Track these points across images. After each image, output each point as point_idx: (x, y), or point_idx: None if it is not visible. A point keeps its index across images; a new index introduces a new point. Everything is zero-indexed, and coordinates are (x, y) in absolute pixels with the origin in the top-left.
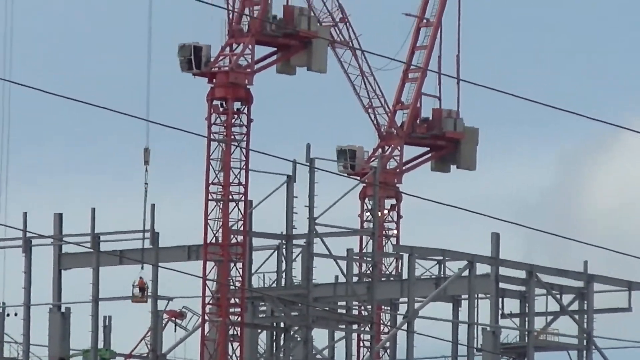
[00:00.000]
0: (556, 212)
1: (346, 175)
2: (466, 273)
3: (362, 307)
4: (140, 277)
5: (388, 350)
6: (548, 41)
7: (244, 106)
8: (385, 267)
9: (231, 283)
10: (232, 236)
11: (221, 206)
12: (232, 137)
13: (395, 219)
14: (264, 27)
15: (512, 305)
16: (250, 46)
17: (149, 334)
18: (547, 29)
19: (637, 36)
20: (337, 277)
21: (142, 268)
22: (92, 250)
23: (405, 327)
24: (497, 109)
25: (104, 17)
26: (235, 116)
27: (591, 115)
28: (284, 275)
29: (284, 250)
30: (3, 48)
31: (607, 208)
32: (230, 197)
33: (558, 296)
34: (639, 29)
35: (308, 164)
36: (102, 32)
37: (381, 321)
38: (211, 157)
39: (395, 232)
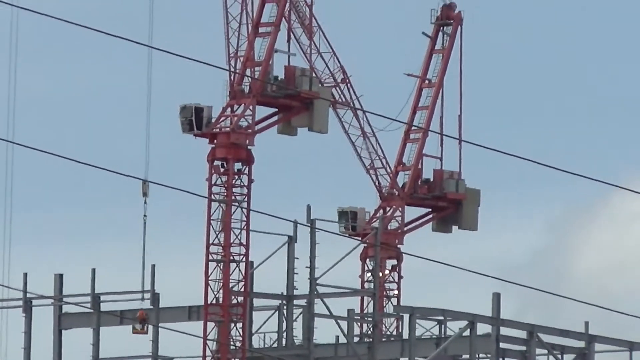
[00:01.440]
0: (550, 273)
1: (347, 236)
2: (467, 333)
3: None
4: (141, 310)
5: None
6: (552, 101)
7: (244, 167)
8: (386, 327)
9: (232, 343)
10: (232, 297)
11: (222, 267)
12: (233, 197)
13: (396, 280)
14: (265, 88)
15: None
16: (251, 107)
17: None
18: (551, 88)
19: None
20: (337, 338)
21: (142, 299)
22: (92, 310)
23: None
24: (499, 169)
25: (104, 77)
26: (236, 177)
27: (590, 174)
28: (284, 335)
29: (284, 311)
30: (7, 110)
31: (600, 268)
32: (231, 257)
33: (559, 356)
34: None
35: (309, 224)
36: (101, 92)
37: None
38: (212, 218)
39: (396, 292)
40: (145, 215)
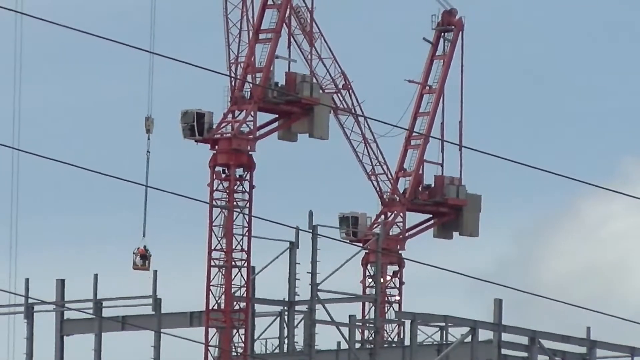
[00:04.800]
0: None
1: (349, 241)
2: (469, 339)
3: None
4: (139, 247)
5: None
6: (552, 107)
7: (246, 173)
8: (388, 333)
9: (233, 349)
10: (234, 302)
11: (223, 272)
12: (235, 203)
13: (397, 285)
14: (266, 94)
15: None
16: (252, 113)
17: None
18: (552, 95)
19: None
20: (339, 344)
21: (144, 236)
22: (94, 316)
23: None
24: (500, 175)
25: (105, 83)
26: (238, 183)
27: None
28: (286, 341)
29: (286, 317)
30: (12, 118)
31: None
32: (232, 263)
33: None
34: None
35: (310, 230)
36: (103, 98)
37: None
38: (213, 224)
39: (397, 298)
40: (148, 152)
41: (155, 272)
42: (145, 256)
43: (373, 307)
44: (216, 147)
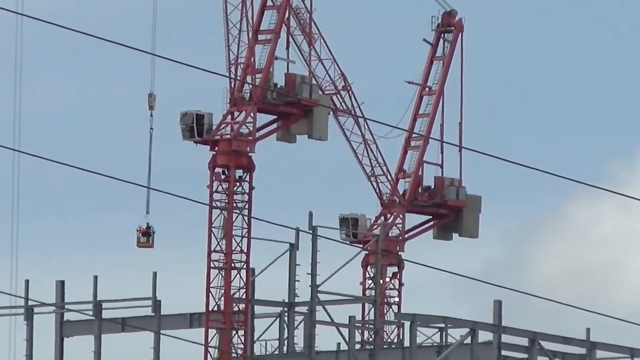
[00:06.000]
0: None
1: (348, 243)
2: (468, 340)
3: None
4: (141, 226)
5: None
6: (552, 107)
7: (245, 174)
8: (387, 334)
9: (233, 351)
10: (234, 304)
11: (223, 274)
12: (234, 204)
13: (397, 287)
14: (265, 95)
15: None
16: (252, 114)
17: None
18: (552, 95)
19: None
20: (339, 345)
21: (147, 212)
22: (94, 318)
23: None
24: (499, 176)
25: (105, 85)
26: (237, 184)
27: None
28: (286, 342)
29: (286, 318)
30: (12, 121)
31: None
32: (232, 264)
33: None
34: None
35: (310, 232)
36: (103, 100)
37: None
38: (213, 225)
39: (397, 299)
40: (151, 128)
41: (155, 273)
42: (148, 233)
43: (373, 309)
44: (216, 148)
